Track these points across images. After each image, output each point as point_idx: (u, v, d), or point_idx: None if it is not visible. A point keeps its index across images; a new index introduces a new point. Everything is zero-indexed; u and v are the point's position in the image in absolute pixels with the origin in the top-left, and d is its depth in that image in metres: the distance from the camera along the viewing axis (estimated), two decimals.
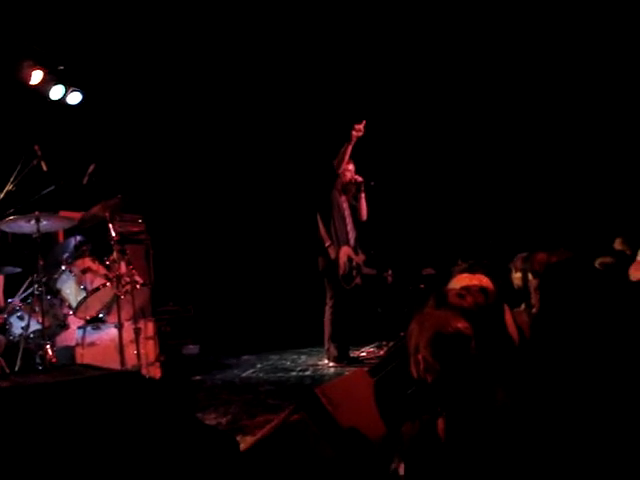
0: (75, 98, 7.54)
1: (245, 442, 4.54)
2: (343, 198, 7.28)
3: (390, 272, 7.73)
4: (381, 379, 3.11)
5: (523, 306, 4.28)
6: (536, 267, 3.77)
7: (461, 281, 3.81)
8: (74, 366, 5.27)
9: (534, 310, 3.75)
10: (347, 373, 6.46)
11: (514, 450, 2.45)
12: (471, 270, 4.22)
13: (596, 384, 2.69)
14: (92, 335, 6.06)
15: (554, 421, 2.59)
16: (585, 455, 2.45)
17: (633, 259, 5.22)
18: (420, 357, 2.71)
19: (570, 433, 2.56)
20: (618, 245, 6.04)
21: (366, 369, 3.69)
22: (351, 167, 7.27)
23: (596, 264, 4.77)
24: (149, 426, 2.23)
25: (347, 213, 7.29)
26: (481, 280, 3.80)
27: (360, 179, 7.29)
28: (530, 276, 3.80)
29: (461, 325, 2.74)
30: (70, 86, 7.46)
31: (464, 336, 2.72)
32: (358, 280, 7.31)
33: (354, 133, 6.95)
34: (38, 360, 5.84)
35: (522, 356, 3.19)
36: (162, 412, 2.28)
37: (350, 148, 7.06)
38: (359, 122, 6.96)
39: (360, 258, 7.37)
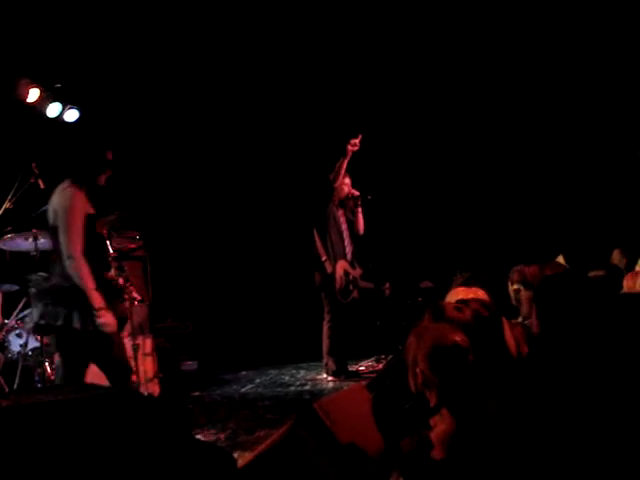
0: (72, 115, 7.56)
1: (243, 458, 4.56)
2: (340, 212, 7.32)
3: (388, 285, 7.74)
4: (379, 393, 3.11)
5: (520, 319, 4.29)
6: (528, 279, 3.78)
7: (457, 294, 3.82)
8: (73, 385, 5.27)
9: (527, 322, 3.76)
10: (345, 388, 6.49)
11: (509, 462, 2.46)
12: (467, 283, 4.24)
13: (593, 397, 2.70)
14: None
15: (549, 433, 2.60)
16: (580, 468, 2.45)
17: (629, 270, 5.24)
18: (418, 370, 2.72)
19: (565, 445, 2.57)
20: (615, 258, 6.05)
21: (364, 383, 3.70)
22: (347, 181, 7.31)
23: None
24: (147, 444, 2.24)
25: (344, 227, 7.32)
26: (477, 293, 3.81)
27: (357, 193, 7.33)
28: (521, 288, 3.81)
29: (459, 338, 2.76)
30: (67, 104, 7.48)
31: (462, 349, 2.73)
32: (355, 294, 7.33)
33: (350, 147, 6.99)
34: (37, 378, 5.84)
35: (519, 369, 3.19)
36: (160, 430, 2.29)
37: (346, 162, 7.10)
38: (355, 137, 7.00)
39: (357, 272, 7.38)
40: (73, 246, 4.08)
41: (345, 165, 7.12)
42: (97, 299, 4.09)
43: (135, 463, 2.16)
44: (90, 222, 4.24)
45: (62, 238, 4.11)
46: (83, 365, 4.27)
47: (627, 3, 8.12)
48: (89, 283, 4.08)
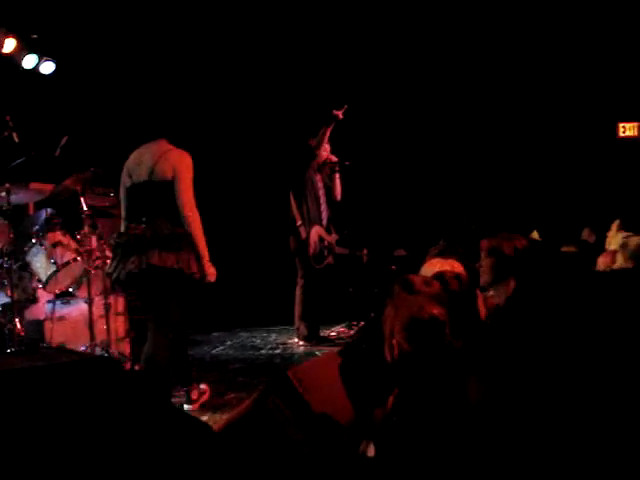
0: (48, 68, 7.41)
1: (215, 421, 4.58)
2: (318, 177, 7.29)
3: (365, 252, 7.76)
4: (348, 362, 3.11)
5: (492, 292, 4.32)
6: (490, 248, 3.78)
7: (433, 266, 3.83)
8: (45, 348, 5.25)
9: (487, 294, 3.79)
10: (319, 355, 6.53)
11: (484, 437, 2.49)
12: (443, 255, 4.25)
13: (562, 374, 2.74)
14: (61, 309, 6.03)
15: (524, 408, 2.63)
16: (554, 445, 2.49)
17: (597, 248, 5.31)
18: (395, 342, 2.73)
19: (538, 419, 2.60)
20: (585, 234, 6.13)
21: (337, 350, 3.71)
22: (327, 147, 7.27)
23: None
24: (121, 413, 2.22)
25: (321, 193, 7.29)
26: (453, 265, 3.82)
27: (335, 159, 7.30)
28: (483, 256, 3.82)
29: (436, 311, 2.76)
30: (43, 55, 7.33)
31: (439, 322, 2.74)
32: (330, 260, 7.34)
33: (333, 117, 6.97)
34: (6, 333, 5.80)
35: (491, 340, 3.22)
36: (138, 399, 2.28)
37: (329, 131, 7.08)
38: (340, 107, 6.98)
39: (333, 238, 7.38)
40: (192, 202, 4.59)
41: (328, 133, 7.10)
42: (206, 251, 4.64)
43: (111, 432, 2.14)
44: None
45: (182, 194, 4.53)
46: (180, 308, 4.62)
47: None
48: (203, 236, 4.62)
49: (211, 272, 4.69)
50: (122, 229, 4.80)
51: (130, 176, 4.73)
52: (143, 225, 4.58)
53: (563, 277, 3.52)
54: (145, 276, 4.48)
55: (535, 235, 5.76)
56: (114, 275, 4.65)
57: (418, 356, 2.67)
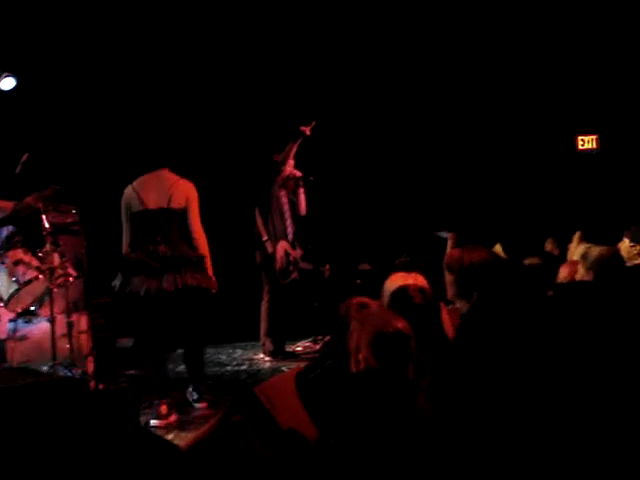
0: (8, 84, 7.31)
1: (181, 439, 4.55)
2: (282, 192, 7.29)
3: (328, 267, 7.77)
4: (308, 381, 3.11)
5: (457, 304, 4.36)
6: (451, 263, 3.80)
7: (397, 280, 3.86)
8: (6, 369, 5.17)
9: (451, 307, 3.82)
10: (285, 370, 6.52)
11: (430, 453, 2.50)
12: (406, 269, 4.28)
13: (521, 387, 2.77)
14: (23, 328, 5.94)
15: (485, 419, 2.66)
16: (507, 459, 2.52)
17: (561, 260, 5.38)
18: (361, 357, 2.75)
19: (489, 432, 2.63)
20: (548, 246, 6.20)
21: (303, 366, 3.71)
22: (291, 162, 7.29)
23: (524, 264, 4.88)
24: (87, 435, 2.19)
25: (286, 208, 7.30)
26: (416, 279, 3.85)
27: (299, 174, 7.32)
28: (446, 272, 3.85)
29: (401, 325, 2.79)
30: (3, 71, 7.25)
31: (404, 335, 2.77)
32: (295, 275, 7.34)
33: (300, 133, 7.00)
34: None
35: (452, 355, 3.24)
36: (101, 419, 2.25)
37: (295, 147, 7.11)
38: (307, 124, 7.02)
39: (297, 253, 7.39)
40: (201, 227, 5.41)
41: (295, 150, 7.13)
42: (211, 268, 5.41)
43: (76, 454, 2.11)
44: None
45: (195, 220, 5.34)
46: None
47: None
48: (209, 256, 5.39)
49: (216, 286, 5.47)
50: (126, 248, 5.36)
51: (142, 202, 5.28)
52: (163, 246, 5.23)
53: (523, 289, 3.56)
54: (180, 295, 5.17)
55: (498, 248, 5.82)
56: (141, 291, 5.18)
57: (384, 370, 2.69)
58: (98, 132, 8.54)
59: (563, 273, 4.54)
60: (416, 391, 2.67)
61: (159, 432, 4.71)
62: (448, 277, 3.72)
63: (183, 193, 5.34)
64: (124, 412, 2.43)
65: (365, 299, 3.58)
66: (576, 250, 5.35)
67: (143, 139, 6.33)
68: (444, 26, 8.76)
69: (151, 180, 5.39)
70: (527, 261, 4.89)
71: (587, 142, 9.35)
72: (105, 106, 8.51)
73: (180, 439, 4.57)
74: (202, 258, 5.33)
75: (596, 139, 9.32)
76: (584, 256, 4.33)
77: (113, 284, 5.44)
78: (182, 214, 5.30)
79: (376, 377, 2.67)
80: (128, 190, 5.43)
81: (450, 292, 3.79)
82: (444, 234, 7.21)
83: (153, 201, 5.29)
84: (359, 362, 2.75)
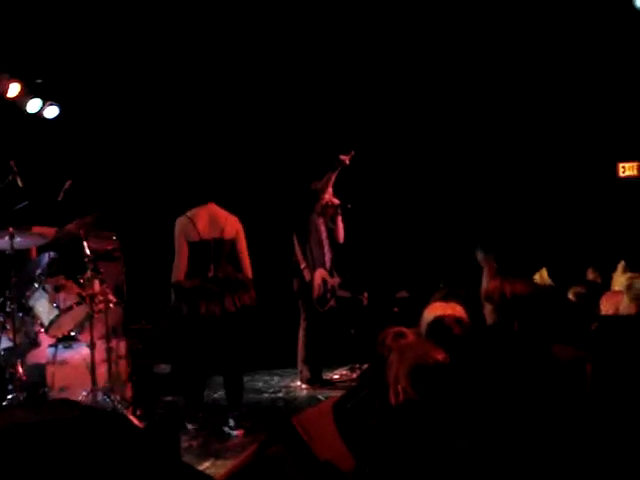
0: (52, 112, 7.48)
1: (217, 467, 4.54)
2: (321, 220, 7.29)
3: (365, 295, 7.75)
4: (345, 412, 3.08)
5: None
6: (490, 294, 3.76)
7: (435, 310, 3.83)
8: (49, 400, 5.23)
9: None
10: (322, 398, 6.49)
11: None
12: (445, 299, 4.24)
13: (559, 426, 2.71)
14: (63, 353, 5.99)
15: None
16: None
17: (604, 289, 5.28)
18: (400, 388, 2.73)
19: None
20: (590, 275, 6.10)
21: (340, 395, 3.69)
22: (329, 190, 7.30)
23: (569, 294, 4.81)
24: (128, 471, 2.18)
25: (324, 236, 7.31)
26: (455, 309, 3.81)
27: (337, 202, 7.32)
28: (485, 302, 3.81)
29: (441, 356, 2.77)
30: (47, 100, 7.40)
31: (443, 367, 2.74)
32: (332, 303, 7.32)
33: (340, 162, 7.02)
34: (7, 377, 5.78)
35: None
36: (142, 456, 2.24)
37: (334, 177, 7.13)
38: (347, 153, 7.03)
39: (335, 281, 7.38)
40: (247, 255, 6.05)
41: (334, 179, 7.16)
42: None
43: None
44: None
45: (244, 249, 6.01)
46: None
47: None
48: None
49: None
50: (181, 275, 5.81)
51: (198, 233, 5.79)
52: (220, 272, 5.82)
53: (567, 321, 3.51)
54: (239, 314, 5.77)
55: (544, 273, 5.73)
56: (206, 314, 5.67)
57: (423, 402, 2.66)
58: (138, 160, 8.65)
59: (606, 304, 4.46)
60: (459, 427, 2.64)
61: (196, 460, 4.70)
62: (487, 307, 3.68)
63: (233, 226, 5.97)
64: (165, 447, 2.42)
65: (402, 329, 3.55)
66: (618, 279, 5.26)
67: (190, 174, 6.76)
68: (484, 52, 8.73)
69: (204, 213, 5.90)
70: (572, 290, 4.83)
71: (628, 169, 9.23)
72: (146, 135, 8.62)
73: (216, 467, 4.57)
74: (250, 280, 5.97)
75: (637, 166, 9.19)
76: (628, 286, 4.26)
77: (168, 310, 6.12)
78: (232, 244, 5.92)
79: (415, 409, 2.64)
80: (183, 221, 5.87)
81: (490, 322, 3.75)
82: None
83: (208, 232, 5.81)
84: (398, 393, 2.73)
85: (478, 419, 2.72)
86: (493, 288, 3.59)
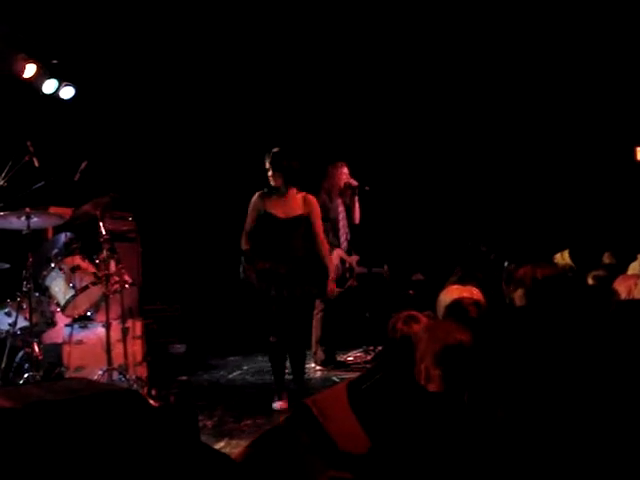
0: (68, 93, 7.48)
1: (231, 447, 4.55)
2: (339, 201, 7.27)
3: (386, 268, 7.73)
4: (362, 392, 3.09)
5: None
6: (520, 278, 3.75)
7: (452, 292, 3.82)
8: (65, 379, 5.25)
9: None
10: (336, 380, 6.51)
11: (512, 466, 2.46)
12: (462, 281, 4.22)
13: (581, 404, 2.70)
14: (79, 333, 6.02)
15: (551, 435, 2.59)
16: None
17: (621, 272, 5.24)
18: (423, 366, 2.75)
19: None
20: (607, 259, 6.06)
21: (355, 376, 3.69)
22: (345, 170, 7.27)
23: (589, 277, 4.78)
24: (145, 450, 2.18)
25: (342, 216, 7.28)
26: (472, 292, 3.81)
27: (355, 183, 7.28)
28: (513, 287, 3.80)
29: (464, 337, 2.78)
30: (63, 80, 7.41)
31: (465, 348, 2.76)
32: (352, 282, 7.31)
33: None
34: (23, 356, 5.83)
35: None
36: (159, 435, 2.24)
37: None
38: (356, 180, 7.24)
39: (353, 259, 7.36)
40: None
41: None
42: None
43: (134, 468, 2.10)
44: None
45: (320, 231, 5.82)
46: None
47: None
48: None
49: (332, 289, 5.88)
50: (246, 259, 5.75)
51: (269, 211, 5.67)
52: (291, 251, 5.66)
53: (588, 304, 3.50)
54: (305, 297, 5.78)
55: (566, 255, 5.70)
56: (284, 294, 5.58)
57: (445, 382, 2.68)
58: (154, 141, 8.66)
59: (619, 287, 4.41)
60: (492, 401, 2.65)
61: (211, 439, 4.72)
62: (519, 291, 3.65)
63: (304, 204, 5.77)
64: (183, 427, 2.43)
65: (413, 312, 3.56)
66: (633, 264, 5.23)
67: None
68: (492, 50, 8.68)
69: (280, 195, 5.75)
70: (593, 273, 4.80)
71: None
72: (162, 115, 8.62)
73: (231, 447, 4.58)
74: (323, 262, 5.78)
75: None
76: None
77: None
78: (306, 222, 5.74)
79: (437, 391, 2.66)
80: (256, 198, 5.79)
81: (520, 304, 3.73)
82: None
83: (281, 211, 5.68)
84: (420, 372, 2.75)
85: (512, 392, 2.71)
86: (523, 273, 3.58)
